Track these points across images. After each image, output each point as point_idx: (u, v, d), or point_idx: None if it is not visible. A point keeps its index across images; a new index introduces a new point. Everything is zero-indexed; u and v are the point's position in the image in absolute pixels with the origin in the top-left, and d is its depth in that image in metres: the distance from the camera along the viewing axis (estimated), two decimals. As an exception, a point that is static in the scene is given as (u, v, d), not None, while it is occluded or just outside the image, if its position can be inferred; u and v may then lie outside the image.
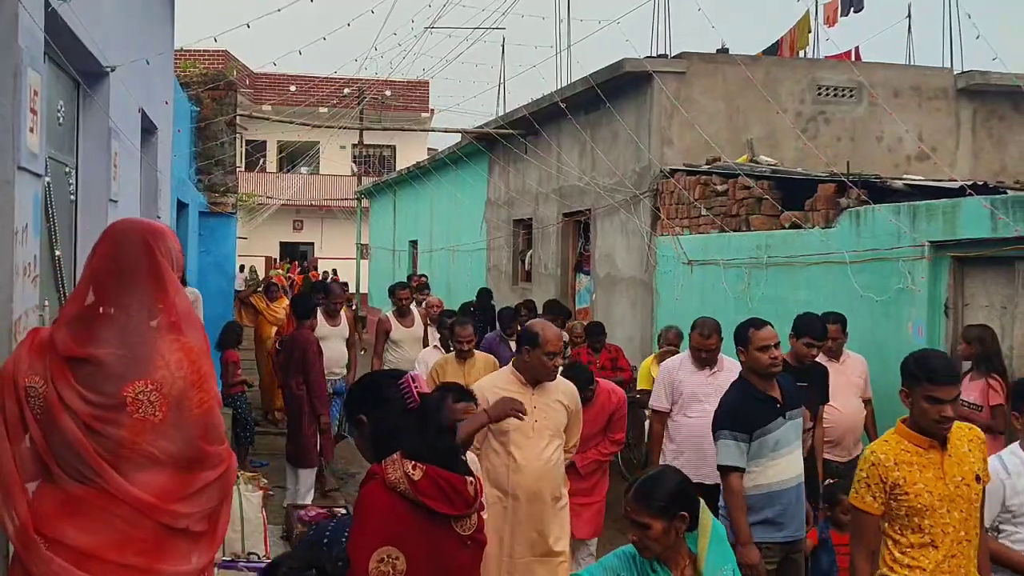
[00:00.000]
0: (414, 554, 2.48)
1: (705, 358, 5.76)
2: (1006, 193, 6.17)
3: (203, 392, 2.59)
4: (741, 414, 4.31)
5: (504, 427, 4.28)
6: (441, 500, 2.55)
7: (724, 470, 4.32)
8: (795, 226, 7.78)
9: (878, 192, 7.22)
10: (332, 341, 8.08)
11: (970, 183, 6.51)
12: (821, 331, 5.59)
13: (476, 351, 6.64)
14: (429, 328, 8.96)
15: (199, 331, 2.70)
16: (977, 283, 6.08)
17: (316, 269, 31.06)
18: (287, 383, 7.44)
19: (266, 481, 6.75)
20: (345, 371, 8.25)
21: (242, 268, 25.29)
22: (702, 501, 2.85)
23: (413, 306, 9.05)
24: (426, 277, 15.44)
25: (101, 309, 2.51)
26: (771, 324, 4.52)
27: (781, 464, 4.32)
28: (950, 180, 7.57)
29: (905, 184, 7.33)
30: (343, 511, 6.20)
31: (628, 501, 2.81)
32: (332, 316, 8.21)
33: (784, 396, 4.41)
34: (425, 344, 8.52)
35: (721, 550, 2.78)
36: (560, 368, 5.86)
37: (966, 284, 6.16)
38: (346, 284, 8.30)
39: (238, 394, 8.51)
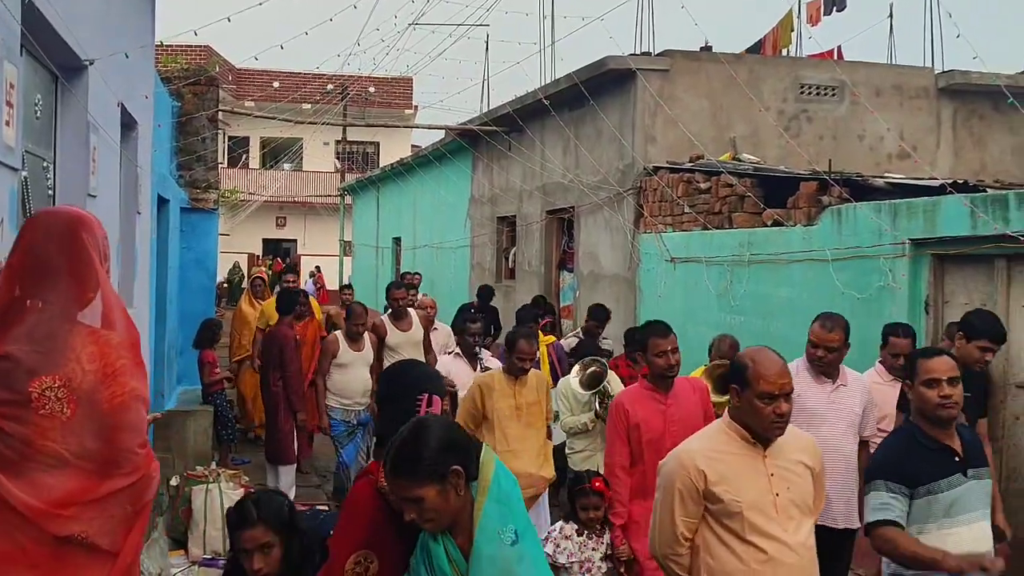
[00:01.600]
0: (389, 559, 2.45)
1: (824, 363, 4.67)
2: (986, 192, 6.22)
3: (116, 386, 2.42)
4: (902, 462, 3.41)
5: (734, 507, 3.07)
6: None
7: (874, 526, 3.36)
8: (777, 224, 7.81)
9: (860, 190, 7.26)
10: (355, 368, 7.29)
11: (950, 182, 6.55)
12: (1001, 333, 4.73)
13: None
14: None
15: (126, 324, 2.57)
16: (957, 280, 6.13)
17: (285, 263, 31.02)
18: (264, 379, 7.41)
19: (247, 479, 6.72)
20: (369, 400, 7.24)
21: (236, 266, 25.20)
22: (485, 447, 2.42)
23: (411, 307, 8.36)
24: (420, 276, 14.26)
25: (28, 302, 2.39)
26: (946, 354, 3.57)
27: (961, 534, 3.35)
28: (931, 179, 7.63)
29: (886, 182, 7.38)
30: (324, 508, 6.18)
31: (389, 478, 2.36)
32: (354, 340, 7.34)
33: (965, 448, 3.45)
34: (425, 349, 7.84)
35: (503, 509, 2.29)
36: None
37: (946, 281, 6.21)
38: (364, 305, 7.26)
39: (218, 392, 8.47)
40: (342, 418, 7.24)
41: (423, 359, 7.20)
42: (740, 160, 9.79)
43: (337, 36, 18.25)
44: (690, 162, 9.71)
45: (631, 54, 11.00)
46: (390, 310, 8.04)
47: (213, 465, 6.82)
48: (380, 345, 7.65)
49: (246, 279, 22.60)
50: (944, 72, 11.38)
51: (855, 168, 9.52)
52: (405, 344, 7.69)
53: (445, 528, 2.31)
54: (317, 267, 30.79)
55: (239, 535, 2.90)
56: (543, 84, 12.64)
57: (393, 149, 32.33)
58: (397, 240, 21.52)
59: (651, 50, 11.56)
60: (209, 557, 5.97)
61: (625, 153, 10.38)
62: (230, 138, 31.86)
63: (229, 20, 6.28)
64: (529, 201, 13.22)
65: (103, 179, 4.67)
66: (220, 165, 15.54)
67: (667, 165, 9.83)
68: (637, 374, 6.39)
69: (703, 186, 9.00)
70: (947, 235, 6.00)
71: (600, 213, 10.94)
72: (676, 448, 3.32)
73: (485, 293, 11.38)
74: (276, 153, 35.42)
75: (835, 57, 12.94)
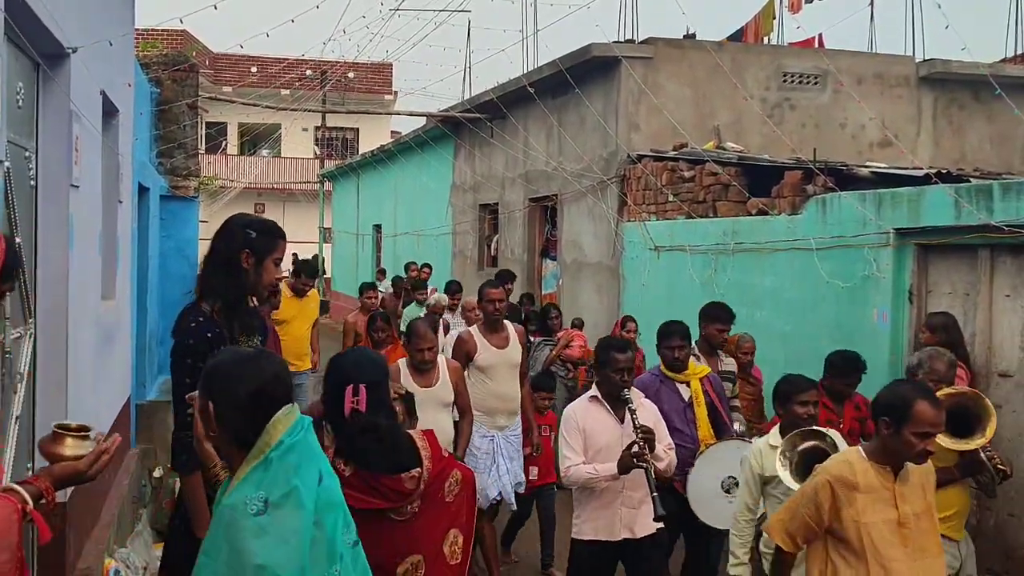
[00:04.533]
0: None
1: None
2: (969, 181, 6.26)
3: None
4: None
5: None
6: (372, 495, 2.70)
7: None
8: (762, 213, 7.83)
9: (843, 179, 7.29)
10: (426, 414, 4.60)
11: (934, 171, 6.59)
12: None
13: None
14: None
15: None
16: (940, 270, 6.17)
17: None
18: None
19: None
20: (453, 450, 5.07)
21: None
22: (289, 416, 2.08)
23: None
24: (430, 268, 13.32)
25: None
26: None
27: None
28: (914, 168, 7.67)
29: (870, 172, 7.41)
30: None
31: None
32: (421, 372, 5.15)
33: None
34: (522, 375, 5.90)
35: (267, 478, 2.02)
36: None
37: (930, 271, 6.25)
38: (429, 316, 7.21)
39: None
40: None
41: (516, 382, 5.79)
42: (724, 148, 9.81)
43: (318, 22, 18.11)
44: (674, 150, 9.71)
45: (615, 41, 10.98)
46: (482, 320, 6.01)
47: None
48: (461, 373, 5.40)
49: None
50: (925, 61, 11.44)
51: (837, 156, 9.56)
52: (502, 366, 5.69)
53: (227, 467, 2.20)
54: (294, 254, 30.62)
55: None
56: (526, 71, 12.59)
57: (373, 136, 32.13)
58: (378, 227, 21.42)
59: (635, 38, 11.55)
60: (194, 549, 5.93)
61: (609, 141, 10.36)
62: (208, 124, 31.53)
63: (216, 8, 6.18)
64: (512, 188, 13.18)
65: (86, 169, 4.60)
66: (199, 152, 15.38)
67: (651, 153, 9.83)
68: (837, 419, 4.93)
69: (687, 174, 9.00)
70: (931, 225, 6.04)
71: (583, 201, 10.92)
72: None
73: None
74: (255, 139, 35.12)
75: (817, 45, 12.97)
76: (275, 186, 33.72)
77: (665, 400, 4.88)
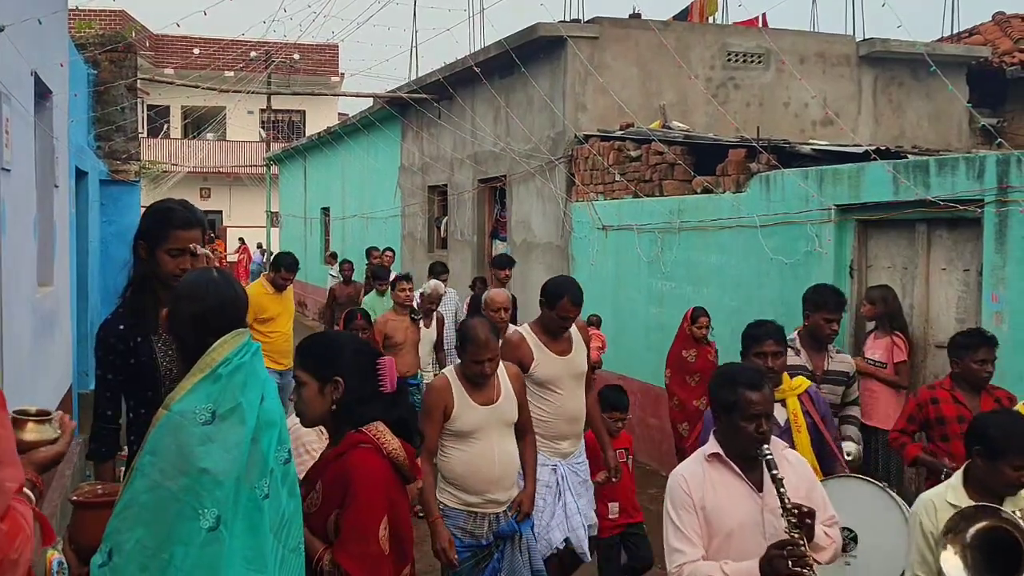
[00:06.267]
0: (394, 519, 2.63)
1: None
2: (907, 158, 6.39)
3: None
4: None
5: None
6: (414, 468, 2.79)
7: None
8: (707, 191, 7.91)
9: (786, 157, 7.39)
10: (491, 433, 4.00)
11: (873, 148, 6.71)
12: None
13: None
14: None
15: None
16: (880, 245, 6.30)
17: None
18: None
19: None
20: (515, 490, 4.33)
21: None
22: (238, 337, 2.28)
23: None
24: (392, 253, 12.83)
25: None
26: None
27: None
28: (855, 145, 7.80)
29: (812, 149, 7.52)
30: None
31: None
32: (478, 386, 4.07)
33: None
34: (588, 386, 4.82)
35: (217, 391, 2.18)
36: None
37: (869, 246, 6.38)
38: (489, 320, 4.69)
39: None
40: (466, 528, 3.99)
41: (583, 397, 4.72)
42: (670, 128, 9.87)
43: (261, 1, 17.78)
44: (620, 130, 9.75)
45: (561, 21, 10.96)
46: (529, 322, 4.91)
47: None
48: (523, 380, 4.31)
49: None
50: (865, 40, 11.62)
51: (781, 135, 9.69)
52: (566, 378, 4.61)
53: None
54: (240, 239, 30.23)
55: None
56: (473, 51, 12.52)
57: (320, 118, 31.74)
58: (326, 210, 21.21)
59: (581, 17, 11.54)
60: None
61: (556, 121, 10.37)
62: (150, 107, 30.86)
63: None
64: (460, 170, 13.13)
65: (17, 151, 4.48)
66: (140, 135, 15.04)
67: (598, 133, 9.86)
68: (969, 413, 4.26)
69: (634, 154, 9.05)
70: (871, 201, 6.16)
71: (532, 182, 10.93)
72: None
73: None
74: (199, 123, 34.46)
75: (760, 25, 13.09)
76: (221, 170, 33.17)
77: None
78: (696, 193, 8.11)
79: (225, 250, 28.91)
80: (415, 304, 7.79)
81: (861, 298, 6.20)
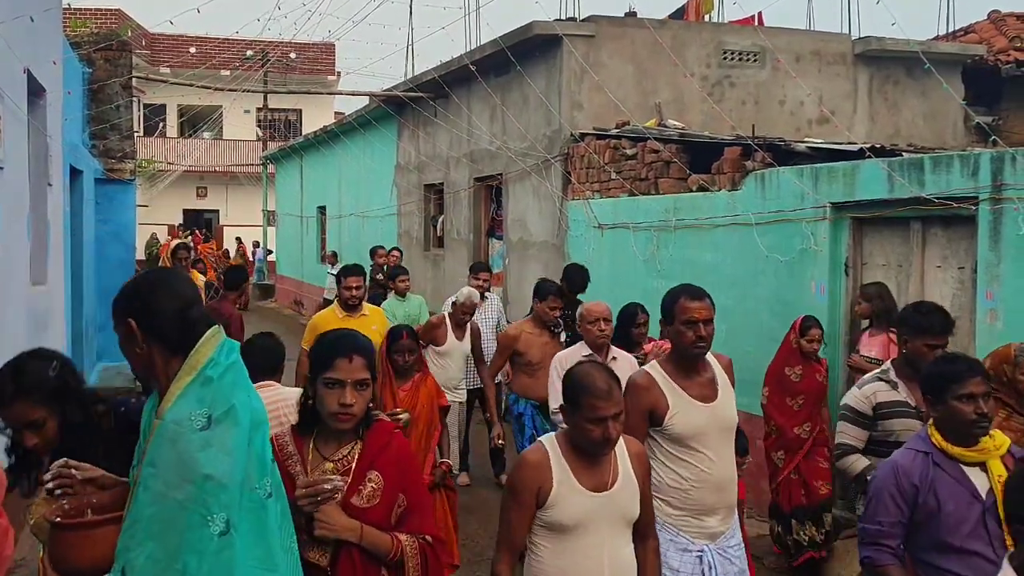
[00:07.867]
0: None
1: None
2: (902, 156, 6.39)
3: None
4: None
5: None
6: None
7: None
8: (703, 189, 7.91)
9: (782, 155, 7.40)
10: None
11: (868, 146, 6.72)
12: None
13: None
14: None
15: None
16: (875, 243, 6.31)
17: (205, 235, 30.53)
18: None
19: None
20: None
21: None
22: (217, 334, 2.20)
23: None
24: (399, 252, 12.57)
25: None
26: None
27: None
28: (850, 143, 7.80)
29: (807, 147, 7.52)
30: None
31: None
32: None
33: None
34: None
35: (209, 395, 2.14)
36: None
37: (864, 244, 6.39)
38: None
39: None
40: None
41: (733, 458, 3.70)
42: (665, 126, 9.87)
43: (255, 0, 17.75)
44: (616, 128, 9.75)
45: (557, 19, 10.96)
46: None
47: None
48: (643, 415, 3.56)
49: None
50: (860, 38, 11.62)
51: (777, 133, 9.69)
52: (712, 432, 3.58)
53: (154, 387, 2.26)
54: (237, 238, 30.19)
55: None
56: (469, 50, 12.51)
57: (316, 116, 31.71)
58: (322, 209, 21.18)
59: (576, 15, 11.54)
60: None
61: (552, 119, 10.37)
62: (146, 106, 30.83)
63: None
64: (456, 168, 13.12)
65: (10, 149, 4.47)
66: (136, 134, 15.03)
67: (594, 131, 9.85)
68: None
69: (629, 152, 9.05)
70: (866, 198, 6.16)
71: (528, 180, 10.93)
72: None
73: (576, 273, 7.51)
74: (195, 121, 34.44)
75: (756, 23, 13.10)
76: (217, 169, 33.15)
77: (946, 497, 2.88)
78: (692, 191, 8.11)
79: (219, 248, 28.85)
80: (446, 313, 7.10)
81: (856, 296, 6.21)
